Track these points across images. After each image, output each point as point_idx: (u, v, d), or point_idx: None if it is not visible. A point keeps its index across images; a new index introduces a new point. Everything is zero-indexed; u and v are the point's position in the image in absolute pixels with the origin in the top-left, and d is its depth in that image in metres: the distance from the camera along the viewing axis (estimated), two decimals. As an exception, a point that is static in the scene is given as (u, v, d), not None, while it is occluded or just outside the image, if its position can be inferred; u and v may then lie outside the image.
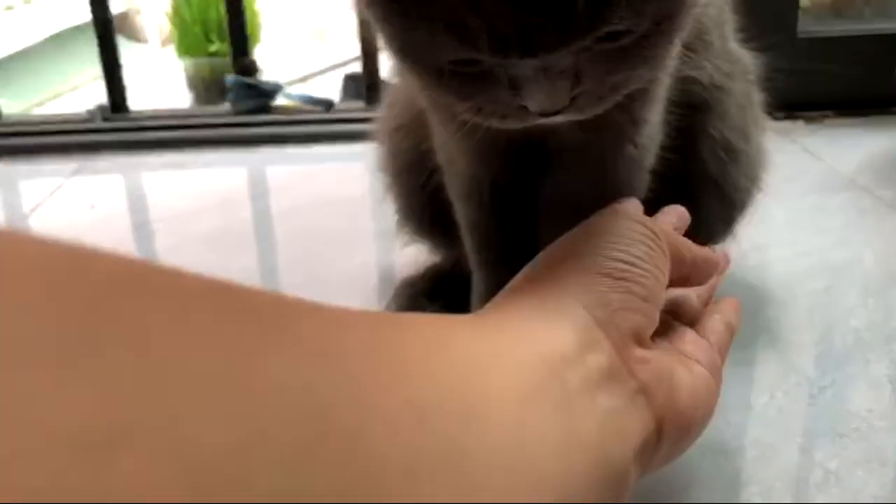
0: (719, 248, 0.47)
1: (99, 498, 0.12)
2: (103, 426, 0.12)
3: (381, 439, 0.18)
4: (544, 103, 0.29)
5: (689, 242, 0.35)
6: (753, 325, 0.53)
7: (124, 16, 3.29)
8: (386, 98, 0.57)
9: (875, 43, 1.02)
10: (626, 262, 0.29)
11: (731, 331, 0.36)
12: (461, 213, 0.46)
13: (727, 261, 0.38)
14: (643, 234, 0.31)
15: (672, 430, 0.28)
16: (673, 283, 0.32)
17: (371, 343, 0.20)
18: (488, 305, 0.29)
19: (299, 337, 0.18)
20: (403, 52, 0.30)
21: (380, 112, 0.56)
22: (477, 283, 0.47)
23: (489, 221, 0.45)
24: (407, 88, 0.49)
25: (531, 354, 0.25)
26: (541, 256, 0.31)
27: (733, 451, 0.41)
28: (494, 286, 0.45)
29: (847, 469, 0.39)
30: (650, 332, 0.30)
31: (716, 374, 0.32)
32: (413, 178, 0.51)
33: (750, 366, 0.49)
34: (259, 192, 0.90)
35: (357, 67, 1.21)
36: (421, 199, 0.52)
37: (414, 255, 0.60)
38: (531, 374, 0.24)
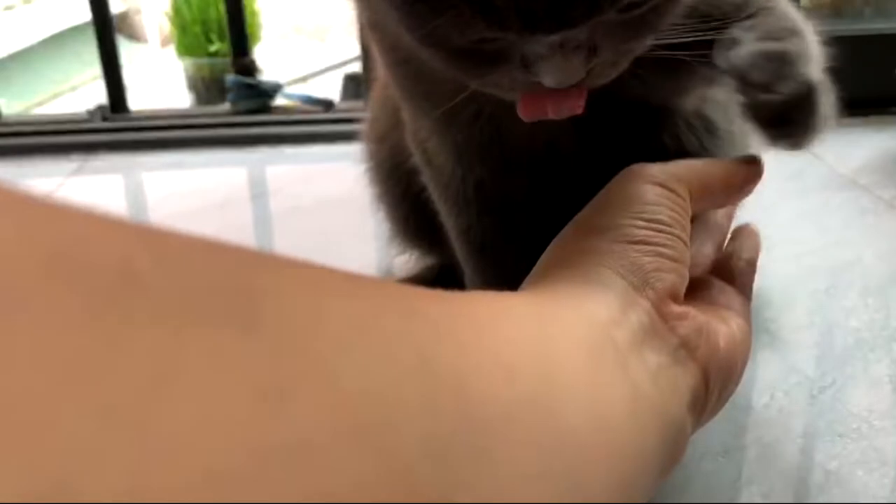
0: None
1: (274, 439, 0.14)
2: (276, 381, 0.15)
3: (480, 393, 0.19)
4: (560, 77, 0.29)
5: (713, 167, 0.35)
6: (754, 325, 0.53)
7: (124, 16, 3.30)
8: (369, 107, 0.57)
9: (875, 43, 1.02)
10: (652, 229, 0.30)
11: (752, 266, 0.37)
12: (447, 218, 0.46)
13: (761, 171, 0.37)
14: (664, 196, 0.32)
15: (717, 380, 0.30)
16: (706, 207, 0.34)
17: (449, 312, 0.22)
18: (526, 282, 0.30)
19: (401, 303, 0.20)
20: (421, 37, 0.30)
21: (364, 122, 0.56)
22: (470, 285, 0.46)
23: (479, 223, 0.44)
24: (385, 89, 0.49)
25: (583, 319, 0.26)
26: (566, 231, 0.32)
27: (734, 452, 0.41)
28: (489, 286, 0.45)
29: (847, 469, 0.39)
30: (683, 289, 0.31)
31: (746, 317, 0.33)
32: (398, 185, 0.51)
33: (750, 366, 0.49)
34: (259, 192, 0.90)
35: (357, 67, 1.21)
36: (406, 205, 0.52)
37: (413, 256, 0.60)
38: (588, 338, 0.25)
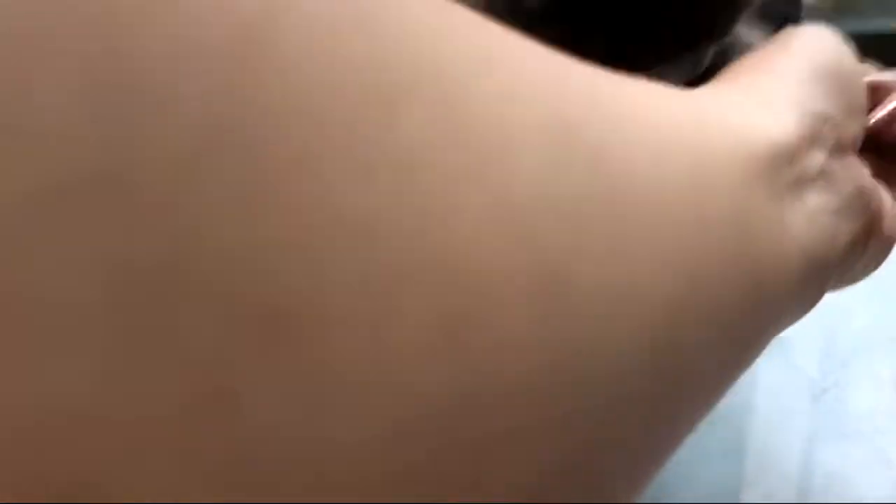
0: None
1: (386, 145, 0.11)
2: (392, 81, 0.12)
3: (619, 165, 0.17)
4: None
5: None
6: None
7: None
8: None
9: (879, 41, 1.02)
10: (843, 70, 0.28)
11: None
12: None
13: None
14: (846, 48, 0.29)
15: (875, 246, 0.28)
16: None
17: (593, 76, 0.19)
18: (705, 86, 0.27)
19: (535, 48, 0.17)
20: None
21: None
22: None
23: None
24: None
25: (753, 139, 0.23)
26: (747, 59, 0.29)
27: (735, 453, 0.41)
28: None
29: (850, 471, 0.39)
30: (859, 144, 0.28)
31: None
32: None
33: (752, 367, 0.49)
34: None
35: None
36: None
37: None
38: (751, 157, 0.22)
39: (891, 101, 0.31)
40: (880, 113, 0.31)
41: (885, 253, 0.31)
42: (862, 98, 0.29)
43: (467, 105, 0.13)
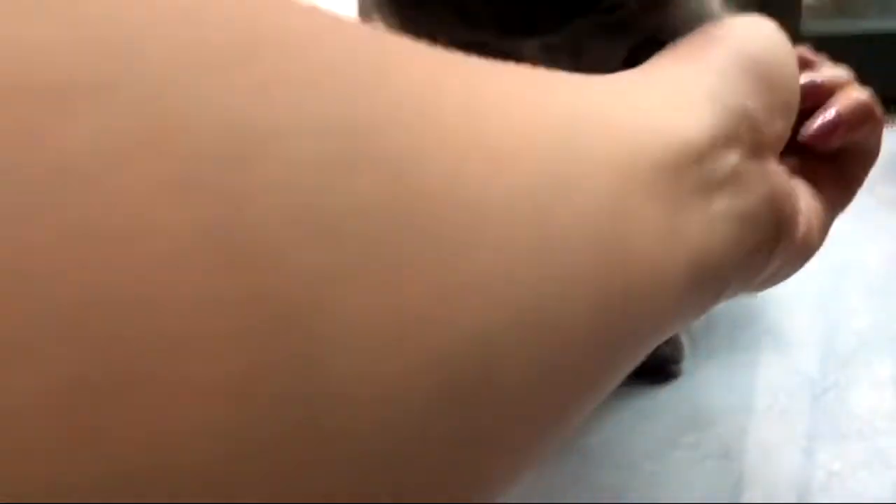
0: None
1: (54, 149, 0.10)
2: (67, 78, 0.10)
3: (434, 178, 0.14)
4: None
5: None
6: (756, 327, 0.53)
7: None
8: None
9: (879, 42, 1.02)
10: (774, 63, 0.26)
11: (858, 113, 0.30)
12: None
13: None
14: (785, 41, 0.28)
15: (785, 253, 0.26)
16: None
17: (440, 61, 0.17)
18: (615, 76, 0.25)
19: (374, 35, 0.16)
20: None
21: None
22: None
23: None
24: None
25: (653, 139, 0.21)
26: (674, 47, 0.26)
27: (735, 454, 0.41)
28: None
29: (850, 471, 0.39)
30: (783, 144, 0.26)
31: (825, 201, 0.30)
32: None
33: (752, 368, 0.49)
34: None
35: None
36: None
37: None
38: (643, 156, 0.20)
39: (824, 112, 0.29)
40: (812, 126, 0.29)
41: (801, 259, 0.29)
42: (793, 95, 0.27)
43: (190, 102, 0.11)
